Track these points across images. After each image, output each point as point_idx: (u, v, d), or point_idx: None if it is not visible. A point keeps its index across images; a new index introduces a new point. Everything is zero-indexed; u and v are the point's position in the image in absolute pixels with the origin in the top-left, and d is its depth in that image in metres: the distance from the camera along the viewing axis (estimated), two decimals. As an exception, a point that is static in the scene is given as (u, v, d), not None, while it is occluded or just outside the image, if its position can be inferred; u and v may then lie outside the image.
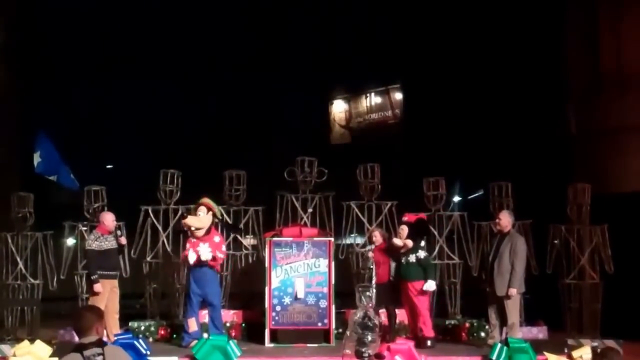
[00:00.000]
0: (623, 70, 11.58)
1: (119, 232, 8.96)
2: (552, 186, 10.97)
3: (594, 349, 8.06)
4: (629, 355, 8.59)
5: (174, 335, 9.43)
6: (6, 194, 10.44)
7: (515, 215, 9.32)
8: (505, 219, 8.80)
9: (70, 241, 10.65)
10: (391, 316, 9.06)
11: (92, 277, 8.59)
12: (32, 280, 10.01)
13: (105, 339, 6.19)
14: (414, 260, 8.70)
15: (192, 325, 8.67)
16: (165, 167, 10.26)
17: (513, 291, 8.48)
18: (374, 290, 8.85)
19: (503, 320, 8.62)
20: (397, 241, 8.85)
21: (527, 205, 10.29)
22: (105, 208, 10.12)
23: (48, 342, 8.45)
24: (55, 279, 10.07)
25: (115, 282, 8.84)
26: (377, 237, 9.20)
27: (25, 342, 8.50)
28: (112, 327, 8.62)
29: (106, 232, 8.78)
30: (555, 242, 10.13)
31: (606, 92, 11.64)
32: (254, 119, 18.97)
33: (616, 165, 11.21)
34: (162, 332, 9.44)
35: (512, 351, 7.68)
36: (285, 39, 19.10)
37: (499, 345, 7.81)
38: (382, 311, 8.70)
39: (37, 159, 11.11)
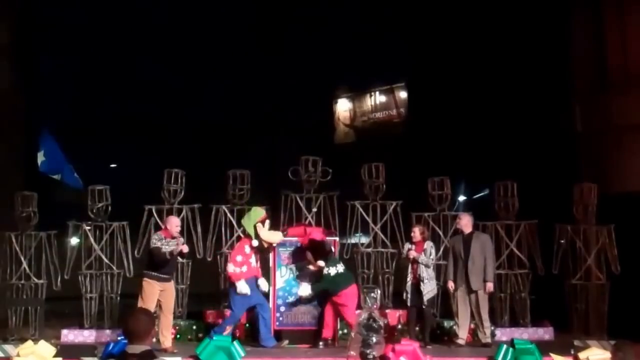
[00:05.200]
0: (629, 68, 11.49)
1: (181, 240, 8.85)
2: (558, 186, 10.89)
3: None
4: (637, 356, 8.53)
5: (178, 336, 9.41)
6: (10, 193, 10.41)
7: (521, 215, 9.45)
8: (466, 219, 9.30)
9: (74, 241, 10.62)
10: (427, 317, 9.00)
11: (144, 272, 8.62)
12: (36, 280, 9.98)
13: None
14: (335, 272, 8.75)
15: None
16: (169, 167, 10.23)
17: (491, 285, 8.99)
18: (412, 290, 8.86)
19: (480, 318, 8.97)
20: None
21: (533, 204, 10.24)
22: (109, 207, 10.11)
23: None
24: (59, 279, 10.03)
25: (168, 285, 8.75)
26: (416, 233, 9.08)
27: (29, 342, 8.44)
28: (166, 327, 8.68)
29: (169, 236, 8.73)
30: (562, 242, 10.07)
31: (612, 90, 11.55)
32: (258, 118, 18.93)
33: (623, 165, 11.13)
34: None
35: (517, 352, 7.61)
36: (289, 38, 19.05)
37: (505, 346, 7.74)
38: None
39: (41, 158, 11.09)
